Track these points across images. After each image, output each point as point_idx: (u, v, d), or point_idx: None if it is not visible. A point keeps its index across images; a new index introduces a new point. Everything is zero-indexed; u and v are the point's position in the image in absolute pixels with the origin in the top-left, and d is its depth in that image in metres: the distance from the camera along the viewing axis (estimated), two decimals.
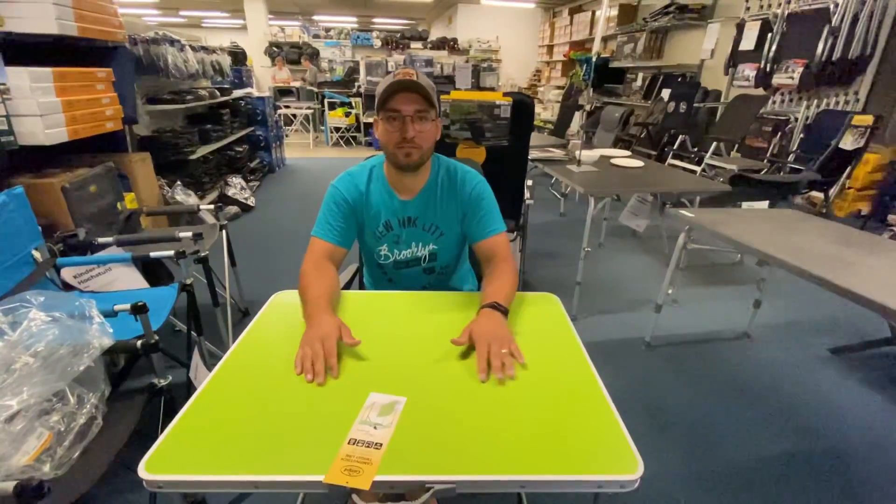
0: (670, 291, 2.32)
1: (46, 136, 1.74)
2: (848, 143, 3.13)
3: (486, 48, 8.67)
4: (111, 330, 0.93)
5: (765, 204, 2.91)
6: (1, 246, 1.20)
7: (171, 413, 1.10)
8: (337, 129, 7.20)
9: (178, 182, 3.01)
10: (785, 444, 1.47)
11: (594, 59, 3.88)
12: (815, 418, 1.59)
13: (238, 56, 6.42)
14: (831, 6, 3.63)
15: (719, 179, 3.49)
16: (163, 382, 1.00)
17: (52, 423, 0.83)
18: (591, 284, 2.45)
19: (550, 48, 8.69)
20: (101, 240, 1.47)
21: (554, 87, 8.28)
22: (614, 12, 6.55)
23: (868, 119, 3.13)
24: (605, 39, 7.23)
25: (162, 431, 0.94)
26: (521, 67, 9.41)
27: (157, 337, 0.99)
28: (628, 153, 2.97)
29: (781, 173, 3.60)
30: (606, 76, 6.80)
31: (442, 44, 8.50)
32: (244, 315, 2.15)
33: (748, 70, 4.45)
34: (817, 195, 3.69)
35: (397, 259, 1.15)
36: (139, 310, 1.06)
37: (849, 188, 3.71)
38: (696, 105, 4.87)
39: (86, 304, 0.93)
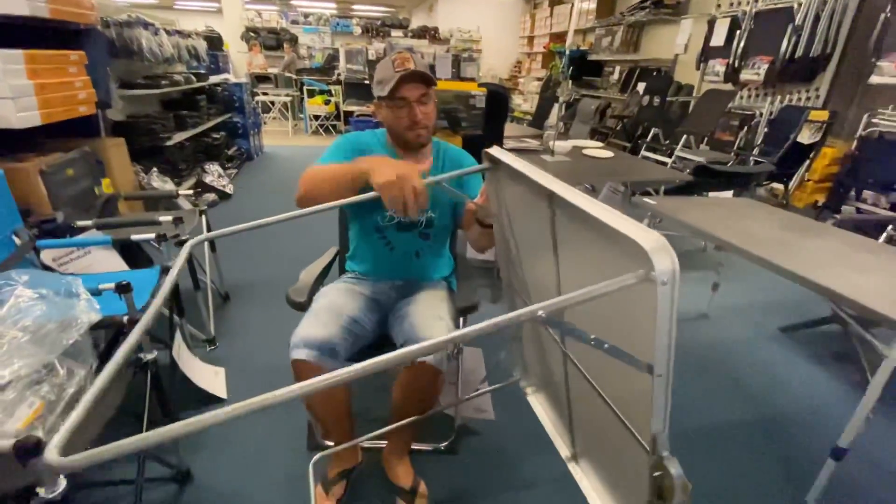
0: None
1: (18, 120, 1.71)
2: (805, 137, 3.31)
3: (467, 38, 8.66)
4: (98, 306, 0.97)
5: (729, 194, 3.07)
6: None
7: (157, 387, 1.15)
8: (316, 118, 7.13)
9: (154, 168, 2.98)
10: (736, 412, 1.61)
11: (567, 52, 3.96)
12: (762, 390, 1.73)
13: (214, 41, 6.26)
14: (795, 5, 3.80)
15: (687, 171, 3.64)
16: (149, 357, 1.04)
17: (42, 393, 0.87)
18: None
19: (531, 39, 8.75)
20: (80, 223, 1.49)
21: (534, 78, 8.35)
22: (593, 5, 6.64)
23: (824, 115, 3.31)
24: (584, 32, 7.33)
25: (148, 404, 1.00)
26: (503, 58, 9.45)
27: (142, 313, 1.03)
28: (600, 144, 3.08)
29: (746, 166, 3.78)
30: (585, 69, 6.91)
31: (423, 32, 8.45)
32: (225, 300, 2.18)
33: (718, 65, 4.61)
34: (779, 186, 3.88)
35: (400, 220, 1.23)
36: (123, 289, 1.09)
37: (808, 180, 3.91)
38: (669, 99, 5.03)
39: (72, 282, 0.97)
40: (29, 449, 0.69)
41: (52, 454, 0.38)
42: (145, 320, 0.56)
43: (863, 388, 1.09)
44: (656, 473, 0.59)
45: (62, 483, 0.77)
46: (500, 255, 1.07)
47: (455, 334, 0.47)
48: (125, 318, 1.00)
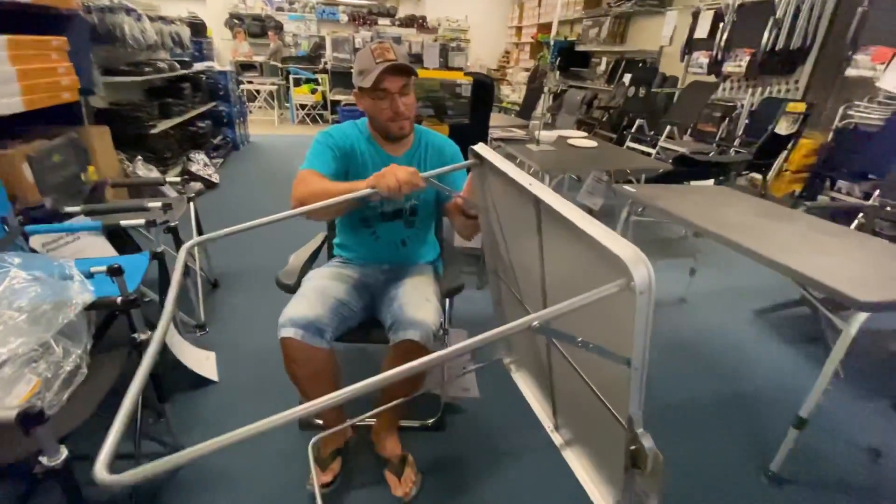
0: None
1: (2, 106, 1.70)
2: (783, 128, 3.40)
3: (455, 27, 8.61)
4: (92, 287, 0.99)
5: (710, 183, 3.15)
6: None
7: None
8: (303, 107, 7.06)
9: (139, 157, 2.96)
10: (708, 390, 1.69)
11: (552, 43, 4.00)
12: (734, 369, 1.82)
13: (197, 27, 6.15)
14: None
15: (669, 161, 3.72)
16: (143, 336, 1.07)
17: (40, 370, 0.90)
18: None
19: (519, 30, 8.74)
20: (68, 209, 1.49)
21: (522, 68, 8.35)
22: None
23: (800, 107, 3.40)
24: (571, 23, 7.35)
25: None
26: (491, 48, 9.42)
27: (135, 295, 1.06)
28: (584, 134, 3.13)
29: (726, 156, 3.87)
30: (573, 60, 6.94)
31: (411, 21, 8.38)
32: (214, 286, 2.20)
33: (702, 57, 4.68)
34: (758, 177, 3.99)
35: (384, 211, 1.26)
36: (115, 272, 1.12)
37: (786, 171, 4.02)
38: (654, 90, 5.09)
39: (65, 264, 0.99)
40: (32, 417, 0.72)
41: (101, 472, 0.40)
42: (167, 314, 0.60)
43: None
44: (632, 447, 0.65)
45: (63, 452, 0.80)
46: (486, 243, 1.11)
47: (453, 348, 0.50)
48: (118, 300, 1.02)
